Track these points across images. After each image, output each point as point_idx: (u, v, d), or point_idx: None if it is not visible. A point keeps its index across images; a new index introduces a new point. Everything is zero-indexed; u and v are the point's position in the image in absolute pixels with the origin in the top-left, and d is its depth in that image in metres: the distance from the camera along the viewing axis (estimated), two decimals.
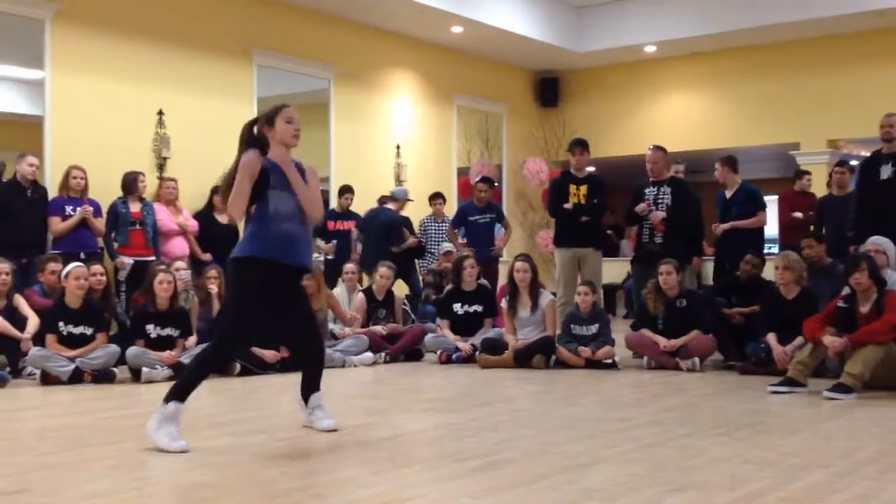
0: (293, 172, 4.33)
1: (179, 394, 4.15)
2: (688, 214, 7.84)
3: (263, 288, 4.23)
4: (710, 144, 12.84)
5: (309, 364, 4.63)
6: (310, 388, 4.58)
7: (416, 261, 10.48)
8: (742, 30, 12.16)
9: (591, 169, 8.46)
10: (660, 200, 7.85)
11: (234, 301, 4.39)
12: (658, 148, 8.05)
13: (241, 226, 4.34)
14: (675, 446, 4.11)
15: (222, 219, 9.19)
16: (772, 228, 9.38)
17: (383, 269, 8.39)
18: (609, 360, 7.23)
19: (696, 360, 7.06)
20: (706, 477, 3.52)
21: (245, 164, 4.21)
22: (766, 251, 8.37)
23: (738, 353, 7.09)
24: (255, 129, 4.41)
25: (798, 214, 9.36)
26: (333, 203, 10.48)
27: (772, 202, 9.38)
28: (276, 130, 4.35)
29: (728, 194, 8.46)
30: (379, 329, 8.10)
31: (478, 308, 8.10)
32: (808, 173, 10.14)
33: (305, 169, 4.45)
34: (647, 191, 7.94)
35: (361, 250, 9.87)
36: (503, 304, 7.83)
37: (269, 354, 7.11)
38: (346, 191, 10.23)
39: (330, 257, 9.88)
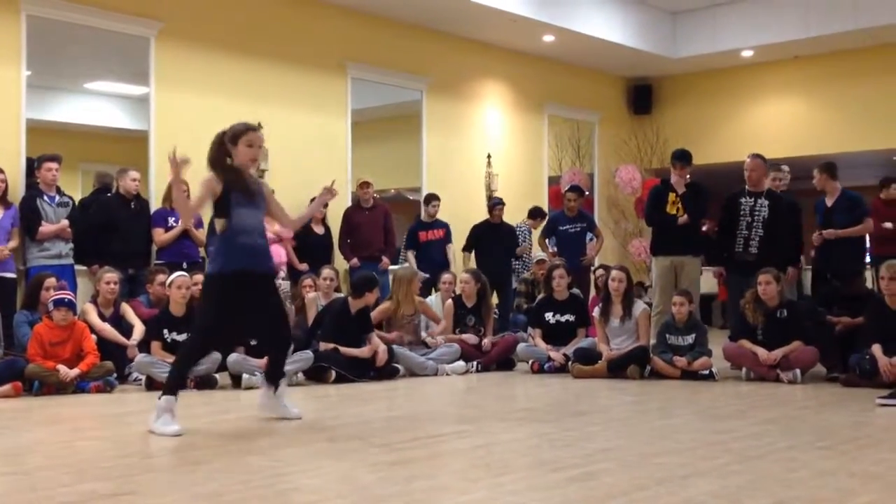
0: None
1: (170, 389, 4.72)
2: (786, 228, 7.68)
3: (231, 298, 4.71)
4: (811, 150, 12.48)
5: (276, 350, 5.20)
6: (277, 373, 5.11)
7: (512, 270, 10.45)
8: (844, 32, 11.79)
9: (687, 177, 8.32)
10: (756, 212, 7.69)
11: (207, 308, 4.90)
12: (757, 156, 7.89)
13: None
14: (777, 459, 4.01)
15: (318, 229, 9.39)
16: None
17: (465, 276, 8.42)
18: (706, 372, 7.10)
19: (798, 371, 6.87)
20: (810, 491, 3.42)
21: (206, 181, 4.75)
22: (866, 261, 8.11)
23: (842, 365, 6.87)
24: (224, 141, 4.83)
25: (888, 225, 8.89)
26: (422, 214, 10.55)
27: None
28: (237, 151, 4.80)
29: (829, 202, 8.21)
30: (469, 338, 8.12)
31: (570, 317, 8.05)
32: None
33: (262, 186, 5.05)
34: (742, 200, 7.78)
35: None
36: (595, 313, 7.78)
37: (363, 351, 7.25)
38: (432, 199, 10.26)
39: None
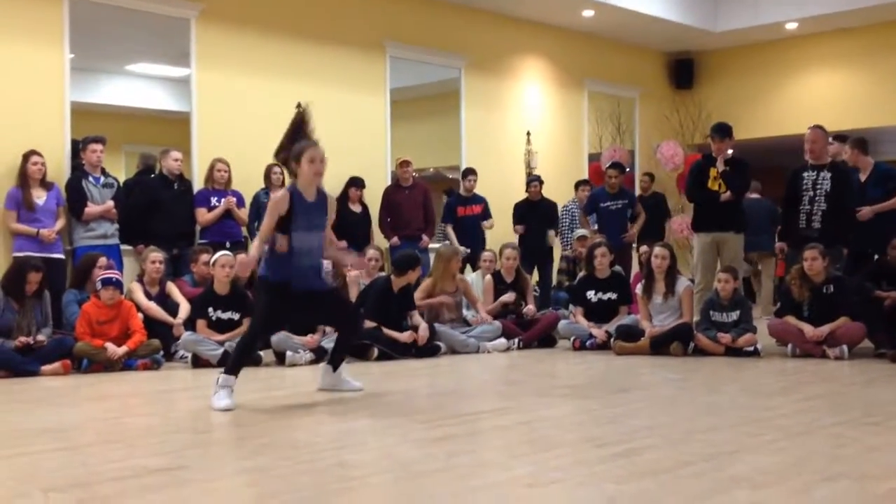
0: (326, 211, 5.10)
1: (230, 369, 4.96)
2: (851, 200, 7.57)
3: (281, 301, 4.99)
4: (856, 124, 12.22)
5: (345, 332, 5.42)
6: (342, 354, 5.37)
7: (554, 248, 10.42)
8: (889, 3, 11.51)
9: (730, 151, 8.21)
10: (819, 186, 7.56)
11: (260, 306, 5.21)
12: (817, 127, 7.74)
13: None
14: (824, 435, 3.97)
15: (355, 208, 9.41)
16: None
17: (508, 251, 8.42)
18: (751, 348, 7.03)
19: (845, 347, 6.78)
20: (859, 466, 3.38)
21: (274, 203, 4.88)
22: None
23: (890, 341, 6.77)
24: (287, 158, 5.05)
25: None
26: (461, 188, 10.51)
27: None
28: (300, 169, 4.98)
29: (862, 177, 8.07)
30: (507, 298, 8.21)
31: (612, 296, 8.01)
32: None
33: (327, 199, 5.15)
34: (804, 174, 7.66)
35: None
36: (638, 290, 7.73)
37: (404, 336, 7.26)
38: (469, 173, 10.23)
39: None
